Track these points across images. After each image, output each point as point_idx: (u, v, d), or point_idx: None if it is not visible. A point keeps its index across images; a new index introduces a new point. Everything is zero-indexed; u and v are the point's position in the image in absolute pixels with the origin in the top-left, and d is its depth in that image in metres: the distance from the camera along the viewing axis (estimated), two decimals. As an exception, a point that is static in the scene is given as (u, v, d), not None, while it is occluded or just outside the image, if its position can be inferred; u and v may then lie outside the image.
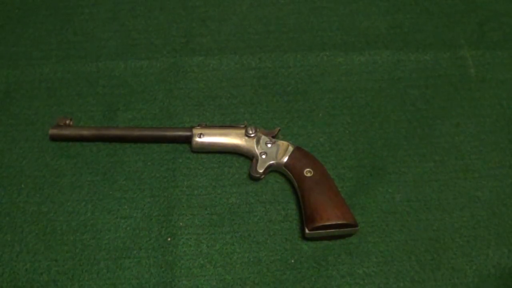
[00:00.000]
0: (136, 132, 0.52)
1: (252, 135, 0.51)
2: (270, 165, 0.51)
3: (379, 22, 0.63)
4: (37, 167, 0.52)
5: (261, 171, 0.50)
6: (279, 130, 0.53)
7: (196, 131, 0.52)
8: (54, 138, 0.53)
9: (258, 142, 0.51)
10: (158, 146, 0.53)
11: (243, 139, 0.52)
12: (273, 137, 0.52)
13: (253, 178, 0.51)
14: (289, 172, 0.50)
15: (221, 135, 0.52)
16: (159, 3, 0.65)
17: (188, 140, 0.52)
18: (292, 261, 0.47)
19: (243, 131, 0.52)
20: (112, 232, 0.49)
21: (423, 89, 0.58)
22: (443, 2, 0.65)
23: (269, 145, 0.51)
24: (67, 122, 0.53)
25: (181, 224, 0.49)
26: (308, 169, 0.49)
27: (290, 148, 0.51)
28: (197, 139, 0.51)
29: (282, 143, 0.51)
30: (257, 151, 0.51)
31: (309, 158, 0.50)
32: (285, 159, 0.50)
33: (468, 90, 0.58)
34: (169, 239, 0.48)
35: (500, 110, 0.57)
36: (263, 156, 0.51)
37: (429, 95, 0.57)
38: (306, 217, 0.47)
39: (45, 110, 0.56)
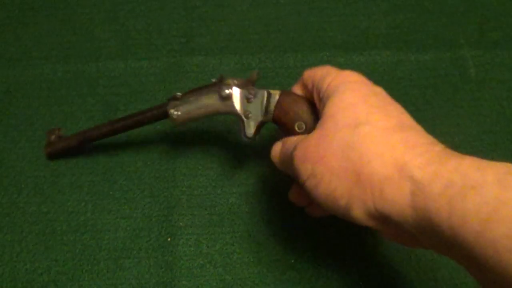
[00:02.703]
0: (119, 124, 0.49)
1: (227, 96, 0.43)
2: (260, 123, 0.44)
3: (379, 22, 0.63)
4: (37, 167, 0.52)
5: (251, 132, 0.44)
6: (258, 73, 0.45)
7: (172, 109, 0.46)
8: (52, 157, 0.52)
9: (238, 101, 0.44)
10: (158, 146, 0.53)
11: (220, 103, 0.44)
12: (253, 85, 0.44)
13: (246, 141, 0.45)
14: (279, 128, 0.44)
15: (197, 107, 0.45)
16: (159, 3, 0.65)
17: (166, 116, 0.46)
18: (292, 261, 0.47)
19: (216, 94, 0.44)
20: (112, 232, 0.49)
21: (423, 89, 0.58)
22: (443, 2, 0.65)
23: (251, 100, 0.43)
24: (57, 133, 0.52)
25: (181, 224, 0.49)
26: (299, 122, 0.41)
27: (275, 97, 0.43)
28: (174, 116, 0.45)
29: (265, 92, 0.43)
30: (240, 113, 0.44)
31: (300, 105, 0.42)
32: (272, 111, 0.43)
33: (468, 90, 0.58)
34: (169, 239, 0.48)
35: (500, 110, 0.57)
36: (249, 115, 0.43)
37: (429, 95, 0.57)
38: None
39: (45, 110, 0.56)
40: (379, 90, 0.37)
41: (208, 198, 0.51)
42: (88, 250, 0.48)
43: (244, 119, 0.43)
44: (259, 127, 0.44)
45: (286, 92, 0.43)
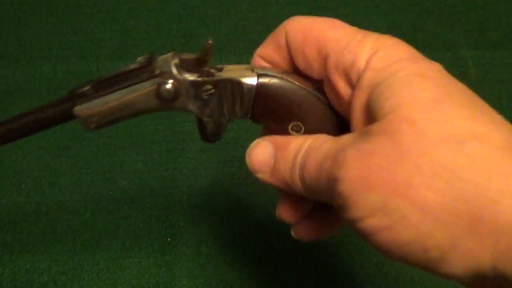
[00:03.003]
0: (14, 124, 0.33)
1: (171, 97, 0.28)
2: (228, 123, 0.30)
3: (379, 22, 0.63)
4: (37, 167, 0.52)
5: (216, 135, 0.30)
6: (212, 45, 0.26)
7: (80, 111, 0.29)
8: None
9: (192, 97, 0.28)
10: (158, 146, 0.53)
11: (161, 103, 0.28)
12: (205, 64, 0.27)
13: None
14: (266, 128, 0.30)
15: (122, 108, 0.29)
16: (159, 3, 0.65)
17: (72, 117, 0.30)
18: (292, 261, 0.47)
19: (153, 92, 0.28)
20: (112, 232, 0.49)
21: (423, 89, 0.58)
22: (443, 2, 0.65)
23: (211, 91, 0.28)
24: None
25: (181, 224, 0.49)
26: (295, 123, 0.28)
27: (251, 86, 0.27)
28: (91, 126, 0.29)
29: (231, 83, 0.27)
30: (195, 112, 0.29)
31: (293, 97, 0.27)
32: (249, 109, 0.28)
33: (468, 90, 0.58)
34: (169, 239, 0.48)
35: (500, 110, 0.56)
36: (210, 114, 0.29)
37: (429, 95, 0.57)
38: None
39: (45, 110, 0.56)
40: (441, 68, 0.27)
41: (208, 198, 0.50)
42: (88, 250, 0.48)
43: (204, 119, 0.29)
44: (225, 128, 0.30)
45: (265, 75, 0.27)
